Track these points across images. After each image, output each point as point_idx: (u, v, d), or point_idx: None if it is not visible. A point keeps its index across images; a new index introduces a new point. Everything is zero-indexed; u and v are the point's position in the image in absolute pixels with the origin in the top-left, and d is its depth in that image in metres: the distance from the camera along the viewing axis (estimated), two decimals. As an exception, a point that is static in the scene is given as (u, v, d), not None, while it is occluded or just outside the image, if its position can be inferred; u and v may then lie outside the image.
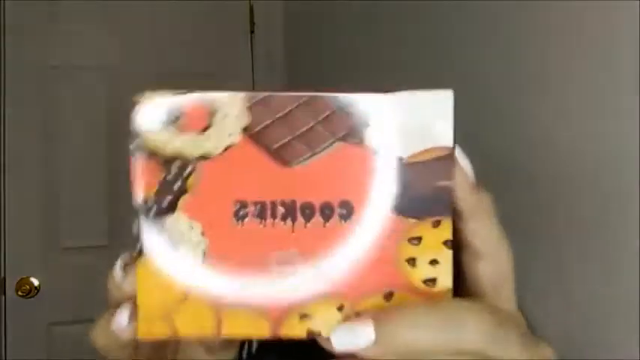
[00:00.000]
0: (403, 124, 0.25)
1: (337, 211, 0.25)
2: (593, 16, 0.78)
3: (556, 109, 0.84)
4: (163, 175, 0.25)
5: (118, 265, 0.27)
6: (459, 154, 0.25)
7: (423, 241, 0.25)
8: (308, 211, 0.25)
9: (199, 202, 0.25)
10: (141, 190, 0.25)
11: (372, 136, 0.25)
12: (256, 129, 0.25)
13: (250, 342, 0.42)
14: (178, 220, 0.25)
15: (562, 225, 0.84)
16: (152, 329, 0.25)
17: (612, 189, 0.76)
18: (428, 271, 0.25)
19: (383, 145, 0.25)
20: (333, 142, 0.25)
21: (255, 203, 0.25)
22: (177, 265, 0.25)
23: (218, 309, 0.25)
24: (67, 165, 1.66)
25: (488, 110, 0.97)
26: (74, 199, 1.66)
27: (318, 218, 0.25)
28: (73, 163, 1.67)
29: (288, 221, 0.25)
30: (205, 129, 0.25)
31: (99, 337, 0.27)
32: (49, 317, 1.63)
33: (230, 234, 0.25)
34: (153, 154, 0.25)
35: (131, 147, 0.26)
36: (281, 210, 0.25)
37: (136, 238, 0.25)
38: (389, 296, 0.25)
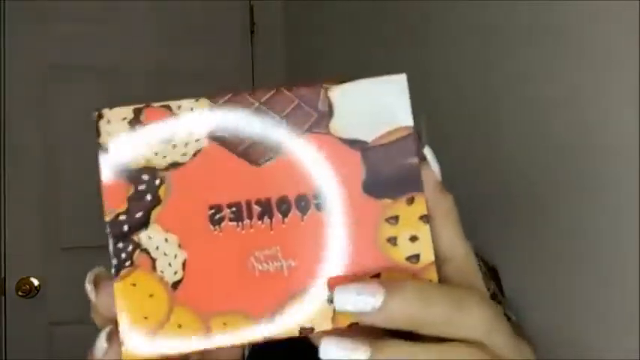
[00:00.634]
0: (364, 109, 0.26)
1: (312, 202, 0.25)
2: (590, 12, 0.78)
3: (556, 109, 0.85)
4: (133, 190, 0.25)
5: (88, 285, 0.26)
6: (428, 153, 0.26)
7: (400, 220, 0.25)
8: (284, 206, 0.25)
9: (173, 212, 0.25)
10: (110, 206, 0.25)
11: (337, 124, 0.25)
12: (222, 132, 0.25)
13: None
14: (153, 234, 0.25)
15: (561, 224, 0.84)
16: (137, 349, 0.24)
17: (612, 189, 0.76)
18: (409, 248, 0.25)
19: (347, 131, 0.25)
20: (300, 134, 0.25)
21: (230, 205, 0.25)
22: (157, 281, 0.24)
23: (205, 320, 0.24)
24: (67, 165, 1.66)
25: (488, 110, 0.97)
26: (74, 199, 1.66)
27: (294, 212, 0.25)
28: (73, 163, 1.67)
29: (266, 219, 0.25)
30: (171, 137, 0.25)
31: None
32: (49, 317, 1.63)
33: (208, 242, 0.25)
34: (120, 169, 0.25)
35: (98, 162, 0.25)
36: (257, 209, 0.25)
37: (111, 259, 0.25)
38: (374, 278, 0.25)
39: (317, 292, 0.25)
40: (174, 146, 0.25)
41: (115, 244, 0.25)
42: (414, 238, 0.25)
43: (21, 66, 1.63)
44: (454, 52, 1.08)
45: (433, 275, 0.25)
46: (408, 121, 0.26)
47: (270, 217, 0.25)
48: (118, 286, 0.25)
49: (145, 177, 0.25)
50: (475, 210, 0.96)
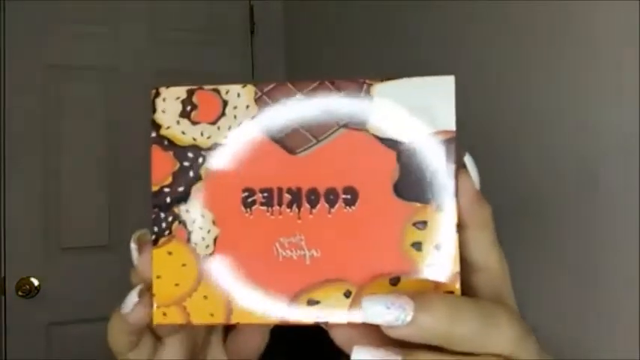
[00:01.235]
0: (405, 109, 0.25)
1: (341, 196, 0.25)
2: (590, 13, 0.78)
3: (556, 109, 0.84)
4: (178, 165, 0.26)
5: (133, 243, 0.27)
6: (468, 161, 0.25)
7: (428, 225, 0.25)
8: (313, 198, 0.25)
9: (211, 190, 0.26)
10: (157, 179, 0.27)
11: (376, 122, 0.25)
12: (263, 119, 0.26)
13: None
14: (191, 208, 0.26)
15: (561, 224, 0.83)
16: (166, 315, 0.26)
17: (612, 188, 0.76)
18: (435, 255, 0.25)
19: (386, 130, 0.25)
20: (337, 129, 0.25)
21: (262, 190, 0.26)
22: (190, 253, 0.26)
23: (228, 296, 0.26)
24: (67, 165, 1.66)
25: (487, 106, 0.97)
26: (74, 199, 1.66)
27: (323, 204, 0.25)
28: (73, 163, 1.67)
29: (294, 208, 0.25)
30: (217, 120, 0.26)
31: (112, 329, 0.28)
32: (49, 317, 1.63)
33: (239, 222, 0.26)
34: (169, 145, 0.27)
35: (150, 138, 0.27)
36: (287, 197, 0.26)
37: (152, 226, 0.26)
38: (396, 281, 0.25)
39: (336, 285, 0.25)
40: (219, 128, 0.26)
41: (157, 213, 0.26)
42: (440, 246, 0.25)
43: (21, 66, 1.63)
44: (454, 52, 1.08)
45: (456, 286, 0.24)
46: (451, 124, 0.25)
47: (299, 207, 0.25)
48: (156, 252, 0.26)
49: (190, 155, 0.26)
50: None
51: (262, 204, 0.26)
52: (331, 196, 0.25)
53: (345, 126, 0.25)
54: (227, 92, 0.27)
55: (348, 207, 0.25)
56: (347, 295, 0.25)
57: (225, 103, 0.26)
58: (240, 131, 0.26)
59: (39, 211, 1.63)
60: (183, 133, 0.26)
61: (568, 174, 0.82)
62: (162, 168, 0.26)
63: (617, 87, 0.75)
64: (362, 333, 0.25)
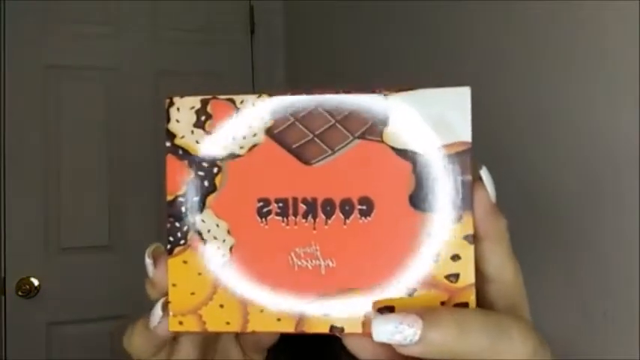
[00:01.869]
0: (421, 120, 0.25)
1: (357, 207, 0.25)
2: (591, 16, 0.78)
3: (557, 110, 0.84)
4: (193, 175, 0.27)
5: (148, 258, 0.27)
6: (484, 173, 0.25)
7: (443, 237, 0.25)
8: (329, 208, 0.26)
9: (226, 200, 0.26)
10: (172, 188, 0.27)
11: (391, 133, 0.25)
12: (278, 129, 0.26)
13: None
14: (206, 218, 0.26)
15: (561, 225, 0.83)
16: (182, 323, 0.26)
17: (612, 189, 0.76)
18: (450, 267, 0.25)
19: (401, 141, 0.25)
20: (352, 140, 0.26)
21: (277, 200, 0.26)
22: (206, 261, 0.26)
23: (244, 305, 0.26)
24: (67, 165, 1.66)
25: (490, 111, 0.97)
26: (74, 199, 1.66)
27: (338, 215, 0.25)
28: (73, 163, 1.67)
29: (310, 218, 0.26)
30: (231, 130, 0.26)
31: (136, 339, 0.28)
32: (49, 317, 1.62)
33: (254, 232, 0.26)
34: (183, 154, 0.27)
35: (165, 147, 0.27)
36: (302, 207, 0.26)
37: (167, 235, 0.27)
38: (411, 292, 0.25)
39: (351, 295, 0.25)
40: (234, 138, 0.26)
41: (173, 223, 0.27)
42: (455, 257, 0.25)
43: (21, 66, 1.63)
44: (458, 52, 1.08)
45: (471, 297, 0.25)
46: (467, 136, 0.25)
47: (314, 217, 0.26)
48: (171, 261, 0.27)
49: (205, 164, 0.26)
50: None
51: (277, 214, 0.26)
52: (347, 207, 0.25)
53: (361, 137, 0.25)
54: (242, 102, 0.26)
55: (363, 217, 0.25)
56: (362, 305, 0.25)
57: (239, 113, 0.27)
58: (255, 141, 0.26)
59: (39, 211, 1.63)
60: (197, 142, 0.27)
61: (577, 178, 0.82)
62: (176, 177, 0.27)
63: (629, 90, 0.75)
64: (376, 342, 0.25)
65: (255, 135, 0.26)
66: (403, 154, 0.25)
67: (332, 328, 0.25)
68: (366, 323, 0.25)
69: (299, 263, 0.26)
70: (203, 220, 0.26)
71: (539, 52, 0.87)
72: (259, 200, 0.26)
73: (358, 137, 0.26)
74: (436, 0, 1.12)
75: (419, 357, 0.23)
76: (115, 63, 1.72)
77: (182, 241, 0.27)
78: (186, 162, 0.27)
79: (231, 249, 0.26)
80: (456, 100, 0.25)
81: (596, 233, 0.78)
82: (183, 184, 0.27)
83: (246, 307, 0.26)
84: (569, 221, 0.82)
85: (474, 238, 0.25)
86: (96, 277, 1.65)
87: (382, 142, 0.25)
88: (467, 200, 0.25)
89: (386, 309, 0.25)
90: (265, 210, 0.26)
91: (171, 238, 0.27)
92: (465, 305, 0.24)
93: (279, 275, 0.26)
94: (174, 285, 0.26)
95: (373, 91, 0.26)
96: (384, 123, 0.25)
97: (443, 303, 0.25)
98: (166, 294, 0.27)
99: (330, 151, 0.26)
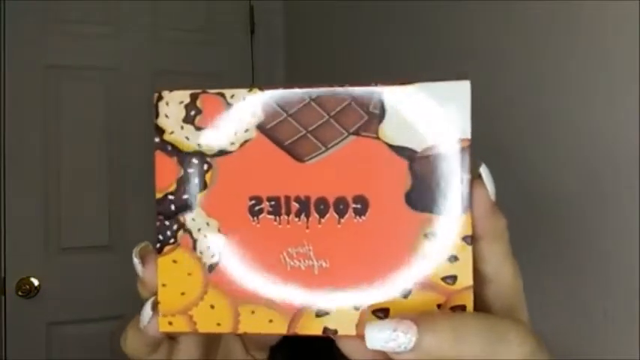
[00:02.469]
0: (418, 115, 0.24)
1: (351, 206, 0.25)
2: (593, 14, 0.78)
3: (558, 111, 0.84)
4: (182, 172, 0.26)
5: (135, 258, 0.27)
6: (484, 171, 0.24)
7: (440, 237, 0.24)
8: (322, 207, 0.25)
9: (216, 198, 0.26)
10: (161, 185, 0.26)
11: (387, 129, 0.24)
12: (270, 125, 0.25)
13: None
14: (196, 216, 0.26)
15: (561, 224, 0.83)
16: (172, 323, 0.26)
17: (612, 189, 0.76)
18: (447, 268, 0.24)
19: (397, 138, 0.24)
20: (347, 136, 0.25)
21: (269, 199, 0.25)
22: (196, 261, 0.26)
23: (235, 306, 0.25)
24: (67, 165, 1.66)
25: (490, 111, 0.97)
26: (74, 199, 1.66)
27: (332, 214, 0.25)
28: (73, 163, 1.67)
29: (303, 217, 0.25)
30: (222, 125, 0.26)
31: (129, 340, 0.27)
32: (49, 317, 1.62)
33: (246, 231, 0.25)
34: (173, 151, 0.26)
35: (154, 143, 0.26)
36: (295, 206, 0.25)
37: (156, 234, 0.26)
38: (407, 294, 0.24)
39: (345, 296, 0.24)
40: (224, 134, 0.25)
41: (162, 221, 0.26)
42: (453, 259, 0.24)
43: (21, 66, 1.63)
44: (459, 51, 1.08)
45: (468, 300, 0.24)
46: (466, 132, 0.24)
47: (307, 216, 0.25)
48: (161, 260, 0.26)
49: (195, 161, 0.26)
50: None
51: (269, 213, 0.25)
52: (341, 206, 0.25)
53: (355, 133, 0.25)
54: (232, 96, 0.25)
55: (358, 217, 0.25)
56: (356, 307, 0.24)
57: (230, 108, 0.26)
58: (246, 137, 0.25)
59: (39, 211, 1.63)
60: (187, 138, 0.26)
61: (576, 178, 0.82)
62: (166, 174, 0.26)
63: (629, 90, 0.74)
64: None
65: (246, 131, 0.25)
66: (399, 151, 0.24)
67: (325, 329, 0.25)
68: (360, 325, 0.24)
69: (291, 263, 0.25)
70: (193, 219, 0.26)
71: (539, 52, 0.87)
72: (251, 198, 0.25)
73: (353, 133, 0.25)
74: (436, 0, 1.12)
75: None
76: (115, 63, 1.72)
77: (172, 240, 0.26)
78: (175, 158, 0.26)
79: (221, 248, 0.26)
80: (455, 94, 0.24)
81: (596, 233, 0.78)
82: (173, 182, 0.26)
83: (237, 308, 0.25)
84: (569, 221, 0.82)
85: (473, 238, 0.24)
86: (96, 277, 1.65)
87: (378, 138, 0.24)
88: (465, 199, 0.24)
89: (380, 311, 0.24)
90: (257, 208, 0.25)
91: (160, 237, 0.26)
92: (463, 308, 0.24)
93: (272, 275, 0.25)
94: (163, 285, 0.26)
95: (369, 85, 0.25)
96: (380, 118, 0.24)
97: (439, 306, 0.24)
98: (157, 293, 0.26)
99: (323, 148, 0.25)
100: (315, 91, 0.25)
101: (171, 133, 0.26)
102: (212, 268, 0.26)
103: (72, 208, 1.66)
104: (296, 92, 0.25)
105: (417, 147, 0.24)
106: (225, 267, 0.25)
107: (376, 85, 0.25)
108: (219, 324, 0.25)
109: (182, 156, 0.26)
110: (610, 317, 0.76)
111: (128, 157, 1.70)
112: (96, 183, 1.69)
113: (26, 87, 1.63)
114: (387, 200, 0.24)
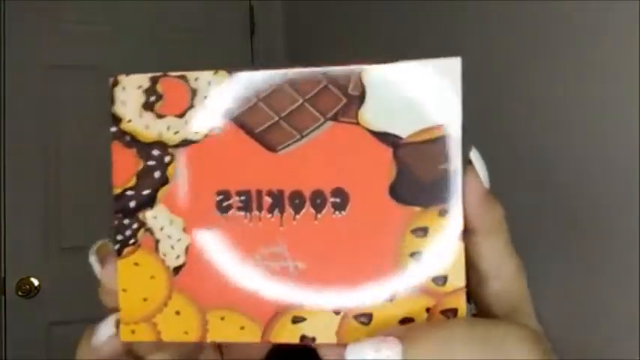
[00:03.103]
0: (402, 98, 0.21)
1: (330, 200, 0.22)
2: (593, 15, 0.78)
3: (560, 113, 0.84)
4: (142, 165, 0.23)
5: (92, 257, 0.24)
6: (475, 157, 0.22)
7: (429, 233, 0.21)
8: (297, 201, 0.22)
9: (180, 193, 0.23)
10: (119, 180, 0.24)
11: (368, 113, 0.22)
12: (239, 111, 0.22)
13: None
14: (158, 214, 0.23)
15: (562, 224, 0.83)
16: (134, 332, 0.23)
17: (611, 189, 0.76)
18: (436, 268, 0.21)
19: (379, 123, 0.22)
20: (324, 122, 0.22)
21: (239, 193, 0.22)
22: (159, 264, 0.23)
23: (203, 312, 0.23)
24: (67, 165, 1.66)
25: (490, 103, 0.97)
26: (74, 198, 1.66)
27: (308, 209, 0.22)
28: (73, 162, 1.67)
29: (276, 213, 0.22)
30: (185, 112, 0.23)
31: (82, 352, 0.25)
32: (49, 317, 1.62)
33: (213, 229, 0.23)
34: (131, 141, 0.23)
35: (110, 132, 0.24)
36: (268, 201, 0.22)
37: (115, 234, 0.24)
38: (392, 296, 0.22)
39: (324, 300, 0.22)
40: (187, 122, 0.23)
41: (121, 220, 0.24)
42: (443, 257, 0.21)
43: (21, 66, 1.63)
44: (461, 49, 1.08)
45: (460, 303, 0.21)
46: (456, 116, 0.21)
47: (281, 212, 0.22)
48: (121, 263, 0.23)
49: (155, 152, 0.23)
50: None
51: (239, 209, 0.22)
52: (318, 200, 0.22)
53: (333, 118, 0.22)
54: (196, 79, 0.23)
55: (337, 212, 0.22)
56: (337, 312, 0.22)
57: (194, 93, 0.23)
58: (213, 125, 0.22)
59: (39, 211, 1.63)
60: (146, 127, 0.23)
61: (576, 177, 0.82)
62: (124, 168, 0.24)
63: (629, 90, 0.74)
64: None
65: (212, 118, 0.22)
66: (382, 137, 0.22)
67: (303, 337, 0.22)
68: (341, 332, 0.22)
69: (264, 264, 0.22)
70: (155, 217, 0.23)
71: (538, 52, 0.87)
72: (218, 193, 0.23)
73: (330, 119, 0.22)
74: (439, 0, 1.12)
75: None
76: (115, 63, 1.72)
77: (132, 241, 0.23)
78: (134, 150, 0.23)
79: (186, 249, 0.23)
80: (443, 73, 0.21)
81: (596, 233, 0.78)
82: (132, 176, 0.23)
83: (205, 315, 0.23)
84: (568, 220, 0.82)
85: (466, 231, 0.21)
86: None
87: (358, 124, 0.22)
88: (455, 190, 0.21)
89: (363, 316, 0.22)
90: (225, 204, 0.23)
91: (119, 237, 0.23)
92: (454, 312, 0.21)
93: (243, 278, 0.22)
94: (124, 290, 0.23)
95: (347, 66, 0.22)
96: (360, 101, 0.22)
97: (429, 310, 0.21)
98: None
99: (298, 136, 0.22)
100: (287, 72, 0.22)
101: (129, 121, 0.23)
102: (177, 270, 0.23)
103: (72, 208, 1.66)
104: (267, 74, 0.22)
105: (402, 133, 0.21)
106: (191, 269, 0.23)
107: (356, 65, 0.22)
108: (186, 332, 0.23)
109: (141, 147, 0.23)
110: (610, 317, 0.76)
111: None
112: (96, 183, 1.69)
113: (26, 87, 1.63)
114: (369, 193, 0.22)
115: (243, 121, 0.22)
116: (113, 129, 0.24)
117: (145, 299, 0.23)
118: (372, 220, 0.22)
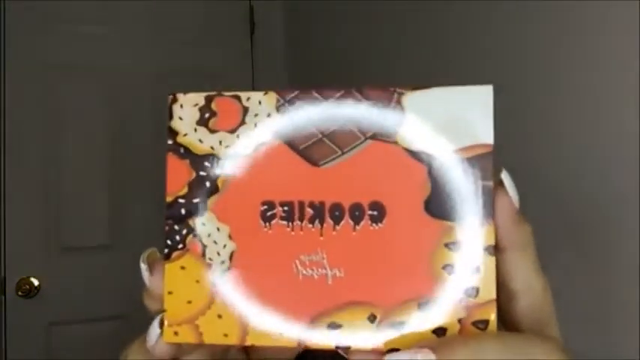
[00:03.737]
0: (439, 121, 0.23)
1: (368, 212, 0.24)
2: (597, 18, 0.78)
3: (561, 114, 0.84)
4: (194, 175, 0.25)
5: (143, 264, 0.26)
6: (506, 178, 0.23)
7: (461, 246, 0.23)
8: (337, 213, 0.24)
9: (228, 202, 0.25)
10: (172, 189, 0.25)
11: (406, 134, 0.24)
12: (285, 128, 0.25)
13: None
14: (207, 221, 0.25)
15: (562, 225, 0.83)
16: (177, 333, 0.25)
17: (611, 189, 0.76)
18: (468, 280, 0.23)
19: (417, 143, 0.23)
20: (364, 140, 0.24)
21: (283, 204, 0.24)
22: (205, 268, 0.25)
23: (244, 316, 0.24)
24: (68, 165, 1.66)
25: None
26: (74, 198, 1.66)
27: (347, 221, 0.24)
28: (73, 162, 1.67)
29: (317, 224, 0.24)
30: (236, 128, 0.25)
31: (132, 356, 0.26)
32: (49, 317, 1.63)
33: (258, 237, 0.24)
34: (185, 153, 0.25)
35: (167, 145, 0.26)
36: (309, 212, 0.24)
37: (165, 238, 0.25)
38: (424, 306, 0.23)
39: (359, 308, 0.23)
40: (239, 137, 0.25)
41: (171, 225, 0.25)
42: (475, 270, 0.23)
43: (21, 66, 1.63)
44: (458, 52, 1.08)
45: (492, 315, 0.22)
46: (489, 138, 0.23)
47: (322, 222, 0.24)
48: (168, 266, 0.25)
49: (207, 164, 0.25)
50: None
51: (282, 218, 0.24)
52: (356, 212, 0.24)
53: (373, 137, 0.24)
54: (248, 99, 0.25)
55: (374, 224, 0.23)
56: (371, 319, 0.23)
57: (245, 111, 0.25)
58: (261, 141, 0.25)
59: (39, 210, 1.63)
60: (200, 141, 0.25)
61: (576, 179, 0.82)
62: (177, 177, 0.25)
63: (629, 90, 0.74)
64: None
65: (261, 134, 0.25)
66: (418, 156, 0.23)
67: (338, 344, 0.23)
68: (375, 340, 0.23)
69: (304, 272, 0.24)
70: (203, 224, 0.25)
71: (538, 52, 0.87)
72: (263, 203, 0.24)
73: (370, 138, 0.24)
74: (439, 0, 1.12)
75: None
76: (115, 63, 1.72)
77: (180, 246, 0.25)
78: (187, 161, 0.25)
79: (231, 255, 0.24)
80: (476, 99, 0.23)
81: (596, 233, 0.78)
82: (184, 185, 0.25)
83: (246, 319, 0.24)
84: (569, 222, 0.82)
85: (496, 249, 0.23)
86: (96, 277, 1.65)
87: (396, 143, 0.24)
88: (488, 207, 0.23)
89: (397, 325, 0.23)
90: (269, 214, 0.24)
91: (169, 242, 0.25)
92: (485, 323, 0.22)
93: (283, 285, 0.24)
94: (170, 292, 0.25)
95: (387, 89, 0.24)
96: (399, 123, 0.24)
97: (460, 320, 0.23)
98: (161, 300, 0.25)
99: (339, 152, 0.24)
100: (331, 95, 0.24)
101: (185, 135, 0.25)
102: (221, 275, 0.25)
103: (72, 208, 1.66)
104: (312, 96, 0.24)
105: (437, 152, 0.23)
106: (235, 275, 0.24)
107: (395, 89, 0.24)
108: (226, 335, 0.24)
109: (194, 158, 0.25)
110: (610, 317, 0.76)
111: (128, 156, 1.70)
112: (96, 183, 1.69)
113: (26, 87, 1.63)
114: (405, 207, 0.23)
115: (289, 137, 0.24)
116: (169, 142, 0.26)
117: (189, 302, 0.25)
118: (407, 233, 0.23)
